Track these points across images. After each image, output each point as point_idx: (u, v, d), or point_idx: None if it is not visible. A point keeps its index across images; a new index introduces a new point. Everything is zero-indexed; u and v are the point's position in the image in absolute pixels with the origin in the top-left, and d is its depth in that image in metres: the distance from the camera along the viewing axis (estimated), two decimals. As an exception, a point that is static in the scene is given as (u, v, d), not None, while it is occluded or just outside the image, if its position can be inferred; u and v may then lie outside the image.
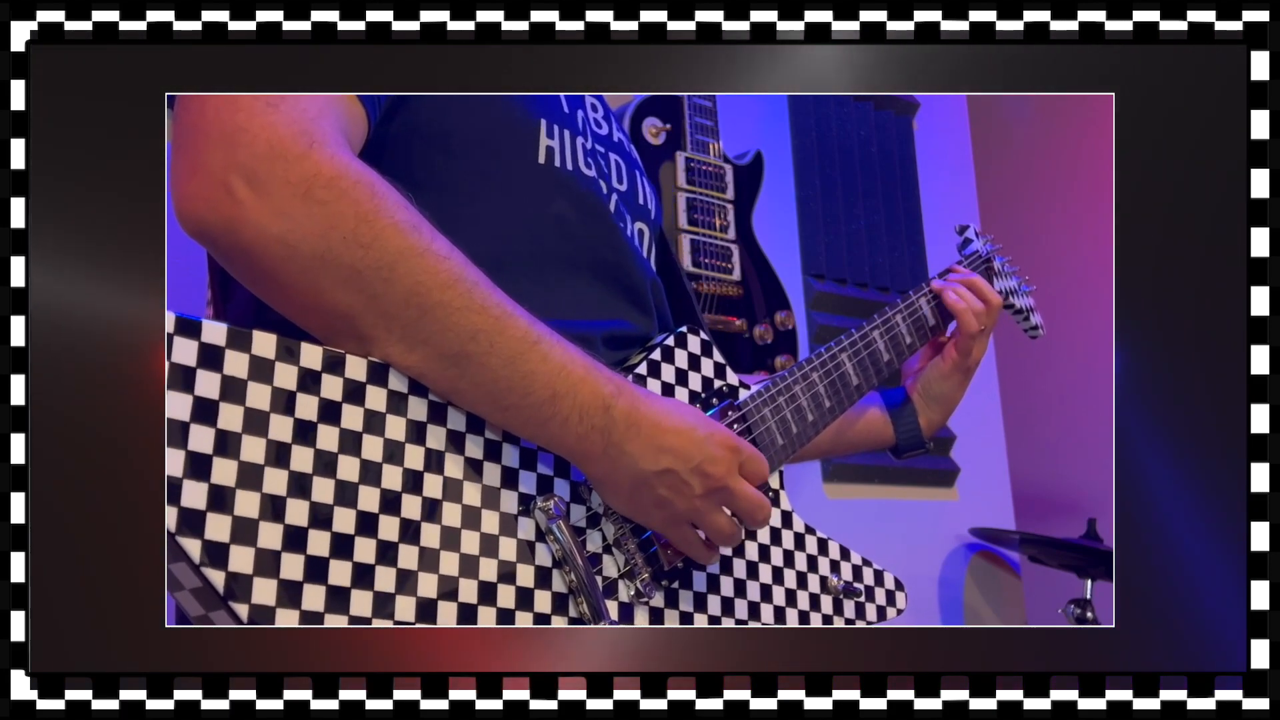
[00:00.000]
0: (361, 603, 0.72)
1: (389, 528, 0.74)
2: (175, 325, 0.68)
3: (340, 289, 0.73)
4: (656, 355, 0.97)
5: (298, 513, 0.71)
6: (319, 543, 0.71)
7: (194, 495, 0.67)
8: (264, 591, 0.68)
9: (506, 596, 0.79)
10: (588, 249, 0.95)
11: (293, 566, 0.69)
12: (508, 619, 0.79)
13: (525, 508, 0.82)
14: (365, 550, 0.73)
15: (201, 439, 0.68)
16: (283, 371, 0.72)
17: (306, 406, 0.73)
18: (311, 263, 0.72)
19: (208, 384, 0.69)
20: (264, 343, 0.72)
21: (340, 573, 0.71)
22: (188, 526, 0.66)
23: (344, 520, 0.72)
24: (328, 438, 0.73)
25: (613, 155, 1.05)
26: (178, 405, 0.67)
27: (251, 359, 0.71)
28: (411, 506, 0.76)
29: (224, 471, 0.68)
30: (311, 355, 0.74)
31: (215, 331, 0.70)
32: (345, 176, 0.72)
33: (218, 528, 0.67)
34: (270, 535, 0.69)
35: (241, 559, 0.67)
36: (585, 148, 0.98)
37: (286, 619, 0.68)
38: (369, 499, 0.74)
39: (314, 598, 0.70)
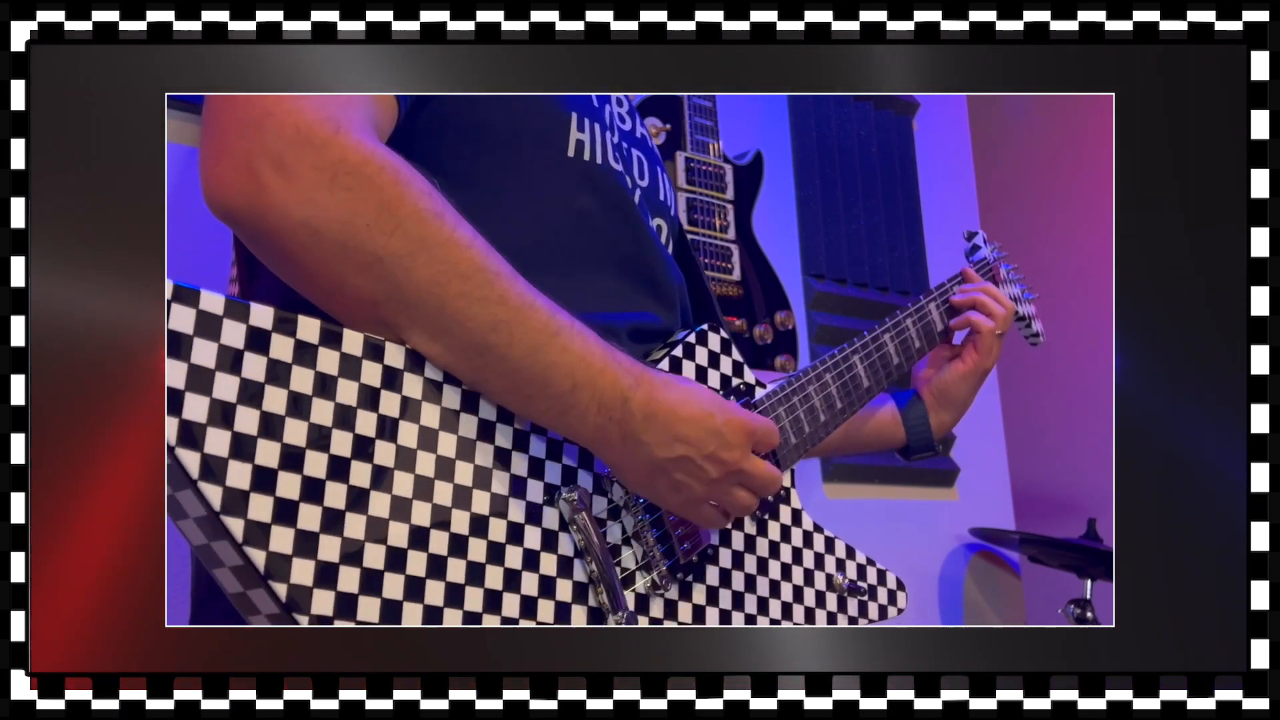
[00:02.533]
0: (394, 586, 0.73)
1: (421, 513, 0.76)
2: (225, 308, 0.70)
3: (362, 276, 0.73)
4: (678, 351, 0.98)
5: (335, 496, 0.72)
6: (355, 526, 0.72)
7: (238, 475, 0.68)
8: (302, 572, 0.69)
9: (530, 584, 0.80)
10: (613, 243, 0.95)
11: (329, 548, 0.71)
12: (530, 606, 0.80)
13: (550, 498, 0.84)
14: (398, 534, 0.74)
15: (247, 420, 0.69)
16: (325, 356, 0.74)
17: (347, 391, 0.74)
18: (334, 249, 0.72)
19: (254, 366, 0.70)
20: (309, 327, 0.73)
21: (375, 556, 0.73)
22: (232, 505, 0.67)
23: (379, 505, 0.74)
24: (365, 423, 0.74)
25: (635, 151, 1.05)
26: (225, 386, 0.69)
27: (296, 343, 0.72)
28: (443, 493, 0.77)
29: (268, 453, 0.69)
30: (353, 341, 0.75)
31: (263, 315, 0.71)
32: (370, 163, 0.72)
33: (260, 508, 0.68)
34: (309, 517, 0.70)
35: (281, 539, 0.69)
36: (613, 142, 0.98)
37: (323, 599, 0.70)
38: (403, 484, 0.75)
39: (349, 580, 0.71)
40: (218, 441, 0.68)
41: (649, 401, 0.82)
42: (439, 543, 0.76)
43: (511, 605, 0.79)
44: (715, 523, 0.90)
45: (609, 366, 0.81)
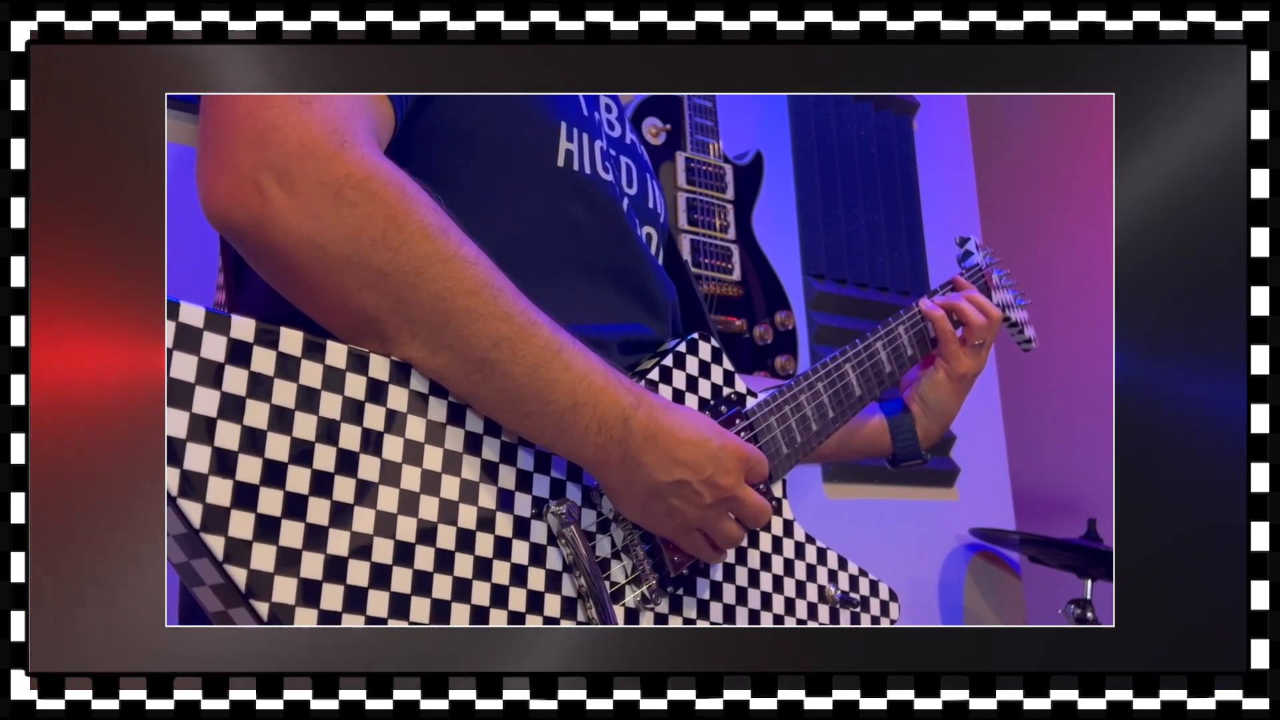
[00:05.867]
0: (378, 603, 0.72)
1: (406, 529, 0.75)
2: (204, 320, 0.68)
3: (366, 291, 0.73)
4: (668, 361, 0.97)
5: (319, 512, 0.71)
6: (339, 542, 0.71)
7: (219, 492, 0.67)
8: (284, 590, 0.68)
9: (518, 600, 0.79)
10: (603, 253, 0.95)
11: (312, 565, 0.70)
12: (518, 622, 0.79)
13: (538, 511, 0.82)
14: (383, 551, 0.73)
15: (228, 435, 0.68)
16: (308, 369, 0.72)
17: (330, 405, 0.73)
18: (340, 264, 0.71)
19: (235, 380, 0.69)
20: (291, 340, 0.72)
21: (359, 573, 0.72)
22: (212, 522, 0.66)
23: (363, 520, 0.73)
24: (350, 437, 0.73)
25: (624, 158, 1.05)
26: (205, 401, 0.67)
27: (278, 355, 0.71)
28: (429, 508, 0.76)
29: (249, 469, 0.68)
30: (336, 353, 0.74)
31: (244, 327, 0.70)
32: (376, 178, 0.72)
33: (241, 525, 0.67)
34: (292, 534, 0.69)
35: (263, 557, 0.68)
36: (602, 150, 0.98)
37: (305, 618, 0.69)
38: (388, 499, 0.74)
39: (332, 597, 0.70)
40: (198, 457, 0.66)
41: (650, 422, 0.82)
42: (425, 558, 0.75)
43: (499, 620, 0.78)
44: (702, 552, 0.90)
45: (610, 386, 0.81)
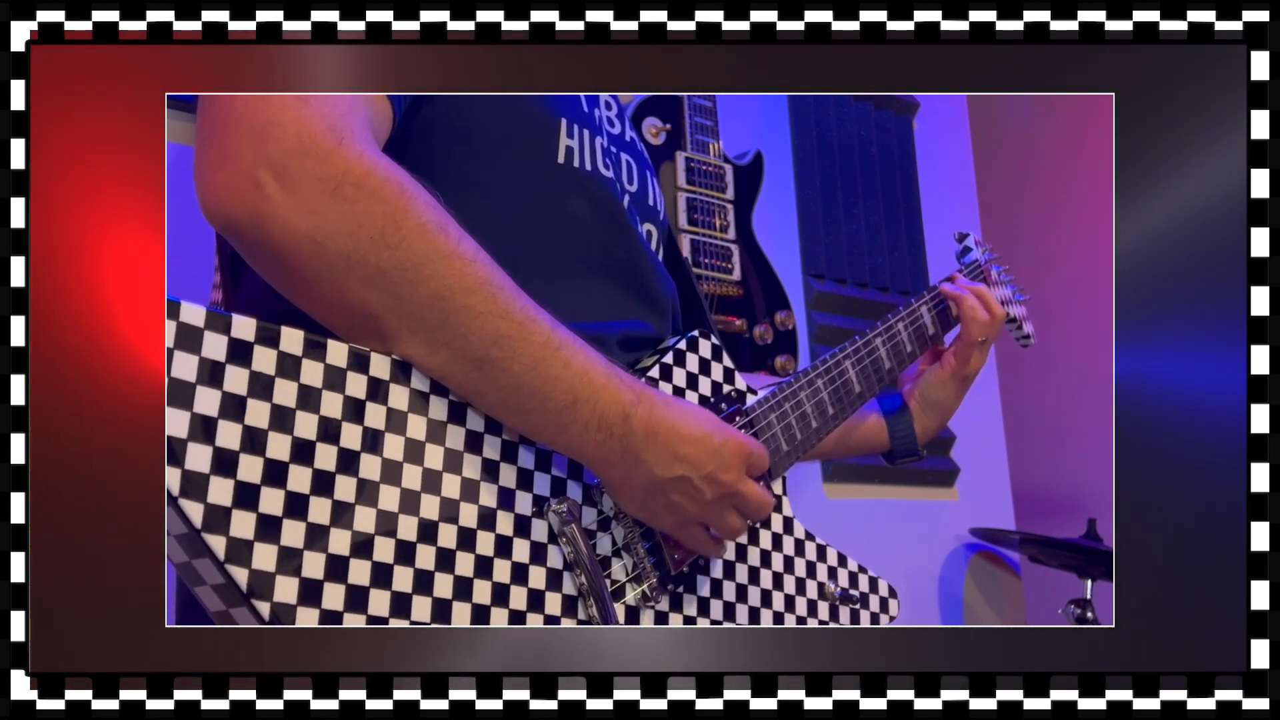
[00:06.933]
0: (379, 603, 0.72)
1: (407, 527, 0.75)
2: (205, 320, 0.68)
3: (365, 288, 0.73)
4: (669, 359, 0.97)
5: (320, 511, 0.71)
6: (340, 542, 0.71)
7: (220, 491, 0.67)
8: (285, 589, 0.68)
9: (519, 598, 0.79)
10: (603, 250, 0.95)
11: (314, 565, 0.70)
12: (519, 620, 0.79)
13: (539, 509, 0.82)
14: (384, 550, 0.73)
15: (229, 435, 0.68)
16: (309, 368, 0.72)
17: (331, 404, 0.73)
18: (338, 261, 0.71)
19: (236, 380, 0.69)
20: (292, 339, 0.72)
21: (360, 572, 0.72)
22: (213, 522, 0.66)
23: (364, 520, 0.73)
24: (350, 435, 0.73)
25: (624, 155, 1.05)
26: (206, 400, 0.67)
27: (279, 355, 0.71)
28: (430, 506, 0.76)
29: (250, 468, 0.68)
30: (337, 352, 0.74)
31: (245, 327, 0.70)
32: (374, 175, 0.72)
33: (242, 524, 0.67)
34: (293, 533, 0.69)
35: (264, 556, 0.68)
36: (603, 147, 0.98)
37: (307, 617, 0.69)
38: (389, 498, 0.74)
39: (334, 597, 0.70)
40: (199, 457, 0.66)
41: (650, 419, 0.82)
42: (425, 557, 0.75)
43: (500, 619, 0.78)
44: (704, 545, 0.90)
45: (610, 382, 0.81)
